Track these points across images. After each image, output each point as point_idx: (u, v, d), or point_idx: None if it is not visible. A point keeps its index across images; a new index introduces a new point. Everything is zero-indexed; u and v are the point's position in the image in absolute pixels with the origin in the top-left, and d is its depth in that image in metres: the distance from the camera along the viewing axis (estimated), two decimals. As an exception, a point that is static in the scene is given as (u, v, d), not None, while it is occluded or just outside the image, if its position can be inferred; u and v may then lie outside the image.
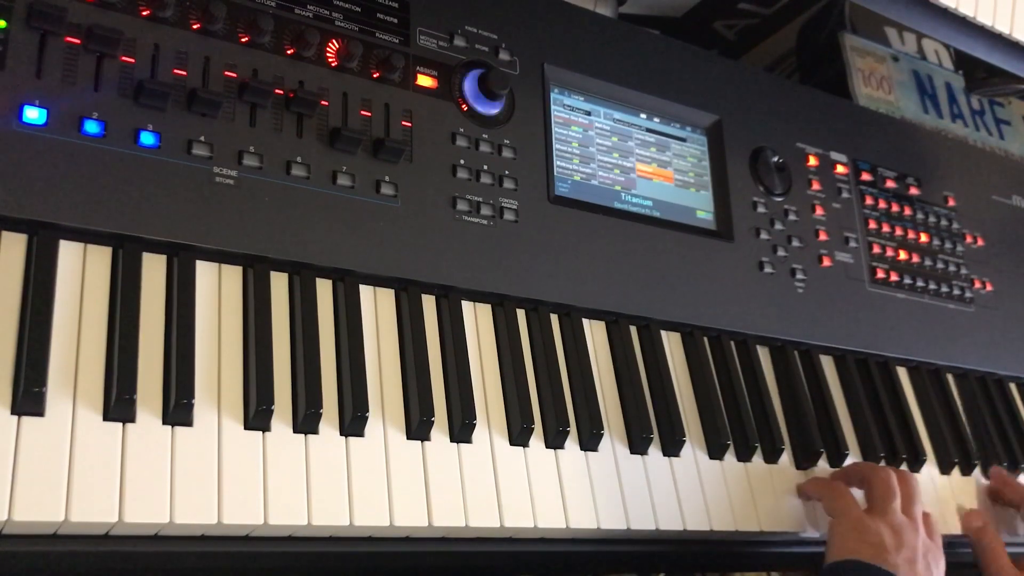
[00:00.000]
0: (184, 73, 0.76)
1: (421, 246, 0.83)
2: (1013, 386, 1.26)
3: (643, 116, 1.04)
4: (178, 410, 0.68)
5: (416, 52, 0.89)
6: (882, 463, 1.06)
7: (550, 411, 0.85)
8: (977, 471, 1.14)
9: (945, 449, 1.12)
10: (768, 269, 1.05)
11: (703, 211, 1.05)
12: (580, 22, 1.02)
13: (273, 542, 0.71)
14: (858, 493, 0.96)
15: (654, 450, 0.90)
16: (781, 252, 1.07)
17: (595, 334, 0.94)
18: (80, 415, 0.65)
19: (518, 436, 0.82)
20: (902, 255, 1.19)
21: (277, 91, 0.80)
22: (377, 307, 0.82)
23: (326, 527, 0.71)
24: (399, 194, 0.84)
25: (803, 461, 0.99)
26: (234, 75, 0.78)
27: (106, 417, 0.66)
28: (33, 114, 0.69)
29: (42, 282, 0.67)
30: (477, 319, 0.87)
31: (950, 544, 1.06)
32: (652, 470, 0.89)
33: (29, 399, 0.63)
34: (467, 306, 0.87)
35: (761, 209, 1.08)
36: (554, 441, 0.84)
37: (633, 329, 0.96)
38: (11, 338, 0.65)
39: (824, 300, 1.09)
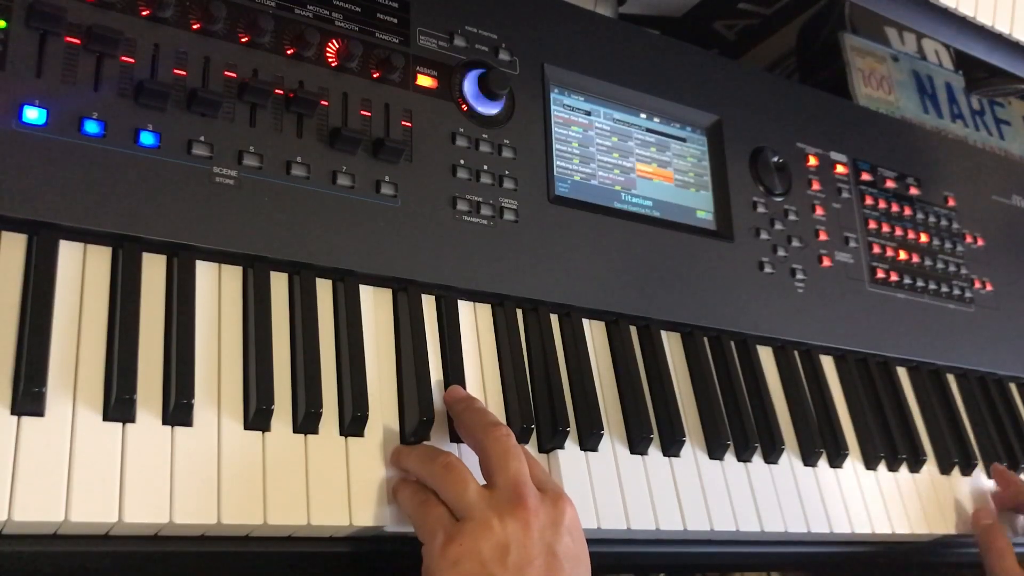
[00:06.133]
0: (184, 73, 0.76)
1: (421, 246, 0.83)
2: (1013, 386, 1.26)
3: (643, 116, 1.04)
4: (178, 410, 0.68)
5: (416, 52, 0.89)
6: (882, 464, 1.06)
7: (550, 411, 0.85)
8: (977, 471, 1.14)
9: (945, 449, 1.12)
10: (768, 269, 1.05)
11: (703, 211, 1.05)
12: (580, 22, 1.02)
13: (273, 542, 0.71)
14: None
15: (654, 450, 0.90)
16: (781, 252, 1.07)
17: (595, 334, 0.94)
18: (80, 415, 0.65)
19: (518, 436, 0.82)
20: (902, 255, 1.19)
21: (277, 91, 0.79)
22: (377, 307, 0.82)
23: (326, 527, 0.71)
24: (399, 194, 0.84)
25: (805, 460, 0.99)
26: (234, 75, 0.78)
27: (106, 417, 0.66)
28: (33, 114, 0.69)
29: (42, 282, 0.67)
30: (477, 319, 0.87)
31: (948, 544, 1.06)
32: (652, 470, 0.89)
33: (29, 399, 0.63)
34: (467, 306, 0.87)
35: (761, 209, 1.08)
36: (554, 441, 0.84)
37: (633, 329, 0.96)
38: (11, 338, 0.65)
39: (824, 300, 1.09)
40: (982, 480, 1.14)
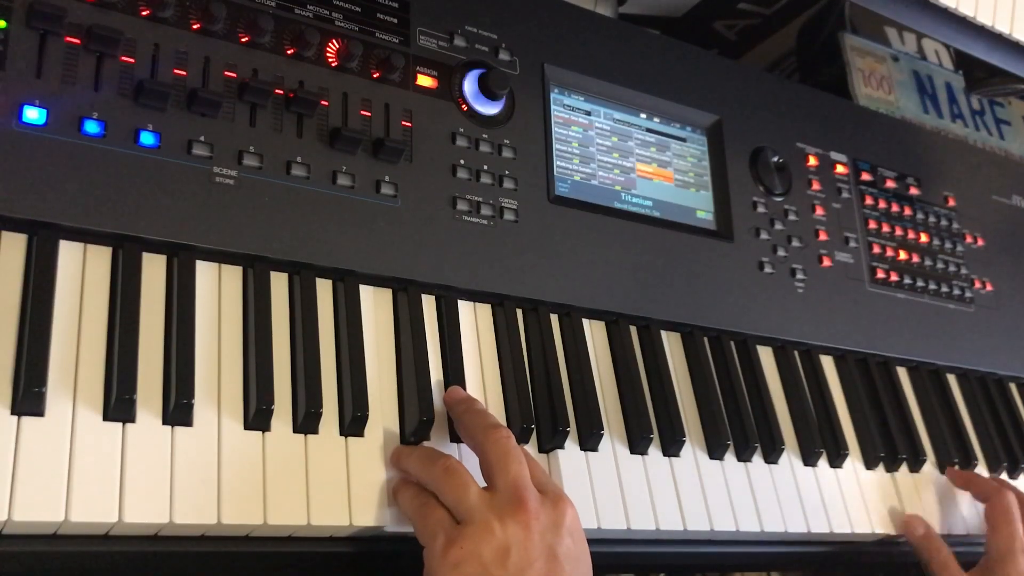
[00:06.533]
0: (184, 73, 0.76)
1: (421, 246, 0.83)
2: (1013, 386, 1.26)
3: (643, 116, 1.04)
4: (178, 410, 0.68)
5: (416, 52, 0.89)
6: (882, 464, 1.06)
7: (550, 411, 0.85)
8: (978, 471, 1.14)
9: (945, 449, 1.12)
10: (768, 269, 1.05)
11: (703, 211, 1.05)
12: (580, 22, 1.02)
13: (273, 542, 0.71)
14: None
15: (654, 450, 0.90)
16: (781, 252, 1.07)
17: (595, 334, 0.94)
18: (80, 415, 0.65)
19: (518, 436, 0.82)
20: (902, 255, 1.19)
21: (277, 91, 0.79)
22: (377, 307, 0.82)
23: (326, 527, 0.71)
24: (399, 194, 0.84)
25: (805, 461, 0.99)
26: (234, 75, 0.78)
27: (106, 417, 0.66)
28: (33, 114, 0.69)
29: (42, 282, 0.67)
30: (477, 319, 0.87)
31: (948, 543, 1.06)
32: (652, 470, 0.89)
33: (29, 399, 0.63)
34: (467, 306, 0.87)
35: (761, 209, 1.08)
36: (554, 441, 0.84)
37: (633, 329, 0.96)
38: (11, 338, 0.65)
39: (824, 300, 1.09)
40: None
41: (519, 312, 0.89)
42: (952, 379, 1.20)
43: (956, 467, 1.11)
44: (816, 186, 1.14)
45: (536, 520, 0.68)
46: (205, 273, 0.75)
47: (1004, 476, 1.16)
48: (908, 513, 1.04)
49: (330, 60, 0.84)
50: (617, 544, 0.87)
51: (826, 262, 1.11)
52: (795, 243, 1.09)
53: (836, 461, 1.01)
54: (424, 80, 0.88)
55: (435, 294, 0.85)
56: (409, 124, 0.86)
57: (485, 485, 0.72)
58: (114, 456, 0.65)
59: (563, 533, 0.69)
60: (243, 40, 0.80)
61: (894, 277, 1.16)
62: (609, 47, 1.03)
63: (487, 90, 0.90)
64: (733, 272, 1.03)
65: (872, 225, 1.18)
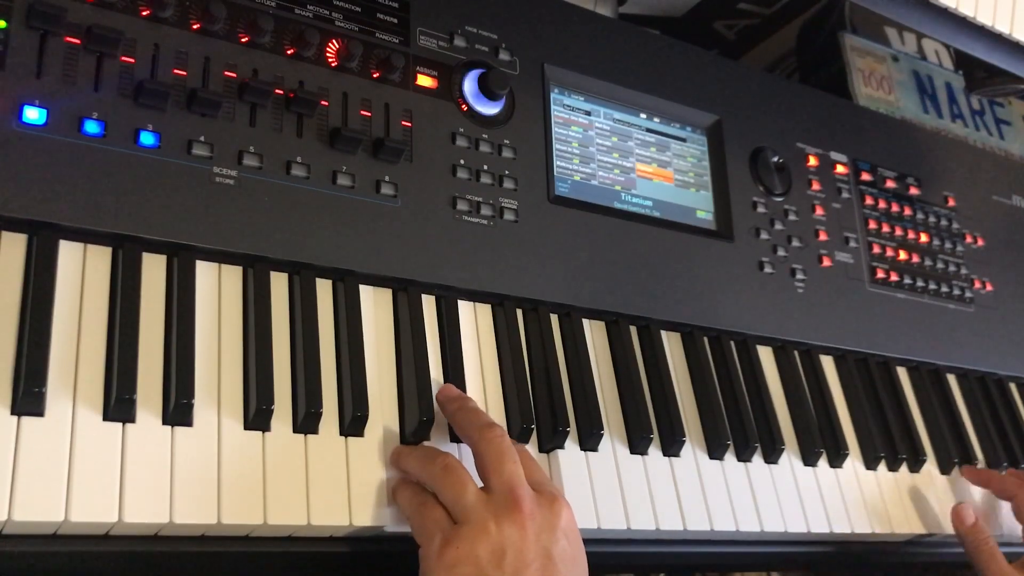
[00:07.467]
0: (184, 73, 0.76)
1: (421, 246, 0.83)
2: (1013, 386, 1.26)
3: (643, 116, 1.04)
4: (178, 410, 0.68)
5: (416, 52, 0.89)
6: (882, 464, 1.06)
7: (550, 411, 0.85)
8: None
9: (945, 449, 1.12)
10: (768, 269, 1.05)
11: (703, 211, 1.05)
12: (580, 22, 1.02)
13: (273, 542, 0.71)
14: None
15: (654, 450, 0.90)
16: (781, 252, 1.07)
17: (595, 334, 0.94)
18: (80, 415, 0.65)
19: (518, 436, 0.82)
20: (902, 255, 1.19)
21: (277, 91, 0.79)
22: (377, 307, 0.82)
23: (326, 527, 0.71)
24: (399, 194, 0.84)
25: (805, 460, 0.99)
26: (234, 75, 0.78)
27: (106, 417, 0.66)
28: (33, 114, 0.69)
29: (42, 282, 0.67)
30: (477, 319, 0.87)
31: (948, 543, 1.06)
32: (652, 470, 0.89)
33: (29, 399, 0.63)
34: (467, 306, 0.87)
35: (761, 209, 1.08)
36: (554, 441, 0.84)
37: (633, 329, 0.96)
38: (11, 338, 0.65)
39: (824, 300, 1.09)
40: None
41: (519, 312, 0.89)
42: (952, 379, 1.20)
43: (956, 465, 1.11)
44: (816, 186, 1.14)
45: (532, 521, 0.68)
46: (205, 273, 0.75)
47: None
48: (958, 502, 1.04)
49: (330, 60, 0.84)
50: (617, 544, 0.87)
51: (826, 262, 1.11)
52: (795, 243, 1.09)
53: (836, 461, 1.01)
54: (424, 80, 0.88)
55: (435, 294, 0.85)
56: (409, 124, 0.86)
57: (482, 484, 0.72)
58: (114, 456, 0.65)
59: (559, 534, 0.69)
60: (243, 40, 0.80)
61: (894, 277, 1.16)
62: (609, 47, 1.03)
63: (487, 90, 0.90)
64: (733, 272, 1.03)
65: (872, 225, 1.18)
